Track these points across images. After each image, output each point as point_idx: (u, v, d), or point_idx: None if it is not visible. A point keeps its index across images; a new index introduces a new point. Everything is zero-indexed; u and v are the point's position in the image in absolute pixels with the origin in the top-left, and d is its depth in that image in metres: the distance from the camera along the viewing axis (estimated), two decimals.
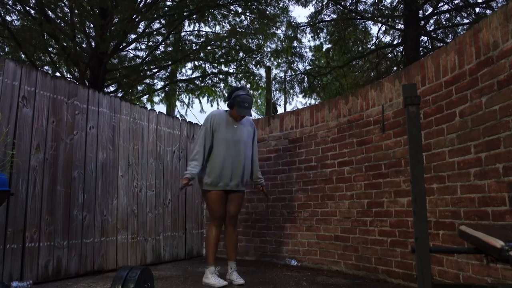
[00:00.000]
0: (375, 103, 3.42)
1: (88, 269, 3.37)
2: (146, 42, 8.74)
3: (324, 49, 11.47)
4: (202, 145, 3.11)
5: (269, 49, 9.09)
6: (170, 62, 8.14)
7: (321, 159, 3.87)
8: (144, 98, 9.76)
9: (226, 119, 3.18)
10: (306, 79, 10.46)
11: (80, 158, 3.41)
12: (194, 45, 8.53)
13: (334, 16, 9.56)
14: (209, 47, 8.27)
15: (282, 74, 11.00)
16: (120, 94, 8.31)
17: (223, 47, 8.33)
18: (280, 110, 15.50)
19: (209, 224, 3.18)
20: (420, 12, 8.62)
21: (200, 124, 4.86)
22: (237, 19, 8.48)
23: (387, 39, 11.18)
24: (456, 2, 8.70)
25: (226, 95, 3.32)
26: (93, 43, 6.74)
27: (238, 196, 3.20)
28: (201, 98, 9.89)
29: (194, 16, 7.83)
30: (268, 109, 12.21)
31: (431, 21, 9.23)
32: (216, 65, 8.82)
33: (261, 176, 3.42)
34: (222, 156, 3.08)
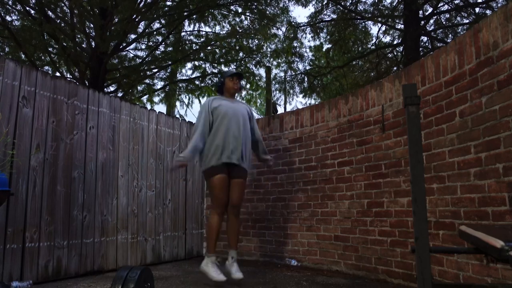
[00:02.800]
0: (375, 103, 3.42)
1: (88, 269, 3.37)
2: (146, 42, 8.74)
3: (324, 49, 11.47)
4: (202, 128, 3.18)
5: (269, 50, 9.10)
6: (170, 62, 8.15)
7: (321, 159, 3.87)
8: (144, 98, 9.77)
9: (222, 99, 3.33)
10: (306, 79, 10.47)
11: (80, 158, 3.41)
12: (194, 45, 8.53)
13: (334, 16, 9.56)
14: (209, 47, 8.27)
15: (282, 74, 11.02)
16: (120, 94, 8.32)
17: (223, 47, 8.34)
18: (280, 110, 15.52)
19: (211, 210, 3.16)
20: (420, 12, 8.62)
21: None
22: (237, 19, 8.49)
23: (387, 39, 11.20)
24: (456, 2, 8.70)
25: (215, 87, 3.52)
26: (93, 43, 6.75)
27: (240, 183, 3.19)
28: (201, 98, 9.90)
29: (194, 16, 7.84)
30: (268, 109, 12.22)
31: (431, 21, 9.24)
32: (216, 65, 8.82)
33: (268, 156, 3.57)
34: (222, 129, 3.13)
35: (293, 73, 10.59)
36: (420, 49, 8.68)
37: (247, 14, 8.29)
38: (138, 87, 9.24)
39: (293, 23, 9.27)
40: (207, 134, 3.19)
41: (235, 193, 3.17)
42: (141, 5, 6.78)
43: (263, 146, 3.55)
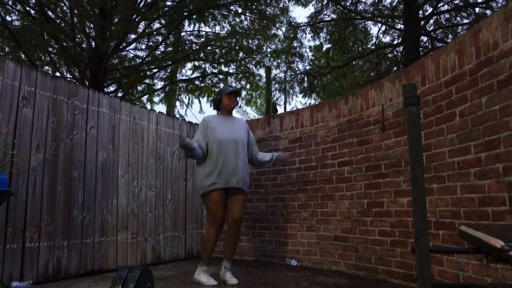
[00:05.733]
0: (375, 103, 3.42)
1: (88, 269, 3.37)
2: (146, 42, 8.74)
3: (324, 49, 11.47)
4: (199, 139, 3.16)
5: (269, 50, 9.11)
6: (170, 62, 8.15)
7: (321, 159, 3.87)
8: (144, 98, 9.77)
9: (219, 119, 3.27)
10: (306, 79, 10.45)
11: (80, 158, 3.41)
12: (194, 45, 8.53)
13: (334, 16, 9.56)
14: (209, 47, 8.27)
15: (282, 75, 11.02)
16: (120, 94, 8.32)
17: (223, 47, 8.34)
18: (280, 110, 15.53)
19: (208, 226, 3.13)
20: (420, 12, 8.62)
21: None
22: (237, 19, 8.49)
23: (387, 39, 11.20)
24: (456, 2, 8.70)
25: (212, 104, 3.45)
26: (93, 43, 6.74)
27: (239, 198, 3.16)
28: (200, 98, 9.91)
29: (194, 16, 7.84)
30: (268, 109, 12.23)
31: (431, 21, 9.23)
32: (216, 65, 8.82)
33: (270, 157, 3.43)
34: (221, 153, 3.10)
35: (293, 73, 10.58)
36: (420, 49, 8.68)
37: (247, 14, 8.29)
38: (138, 87, 9.24)
39: (293, 23, 9.26)
40: (202, 146, 3.14)
41: (236, 208, 3.14)
42: (141, 5, 6.78)
43: (265, 156, 3.43)
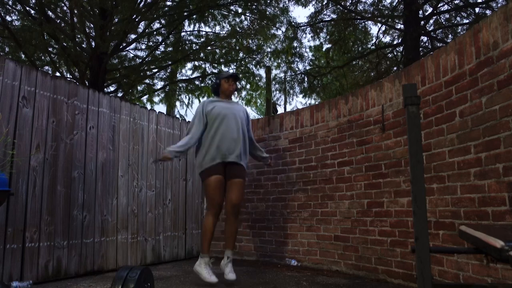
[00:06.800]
0: (375, 103, 3.42)
1: (88, 269, 3.37)
2: (146, 42, 8.75)
3: (324, 49, 11.48)
4: (194, 131, 3.20)
5: (269, 50, 9.11)
6: (170, 62, 8.15)
7: (321, 159, 3.87)
8: (144, 98, 9.77)
9: (218, 101, 3.34)
10: (306, 79, 10.46)
11: (80, 158, 3.41)
12: (194, 45, 8.53)
13: (334, 16, 9.57)
14: (209, 47, 8.27)
15: (282, 75, 11.02)
16: (120, 94, 8.32)
17: (223, 47, 8.34)
18: (280, 110, 15.53)
19: (206, 212, 3.15)
20: (420, 12, 8.62)
21: None
22: (237, 20, 8.50)
23: (387, 39, 11.22)
24: (456, 2, 8.70)
25: (211, 88, 3.54)
26: (93, 43, 6.75)
27: (239, 183, 3.17)
28: (200, 98, 9.90)
29: (194, 16, 7.84)
30: (268, 109, 12.22)
31: (431, 21, 9.24)
32: (216, 65, 8.83)
33: (265, 154, 3.64)
34: (219, 130, 3.14)
35: (293, 73, 10.58)
36: (420, 49, 8.69)
37: (247, 14, 8.30)
38: (138, 87, 9.25)
39: (293, 23, 9.27)
40: (199, 137, 3.21)
41: (235, 193, 3.16)
42: (141, 5, 6.78)
43: (258, 146, 3.60)
